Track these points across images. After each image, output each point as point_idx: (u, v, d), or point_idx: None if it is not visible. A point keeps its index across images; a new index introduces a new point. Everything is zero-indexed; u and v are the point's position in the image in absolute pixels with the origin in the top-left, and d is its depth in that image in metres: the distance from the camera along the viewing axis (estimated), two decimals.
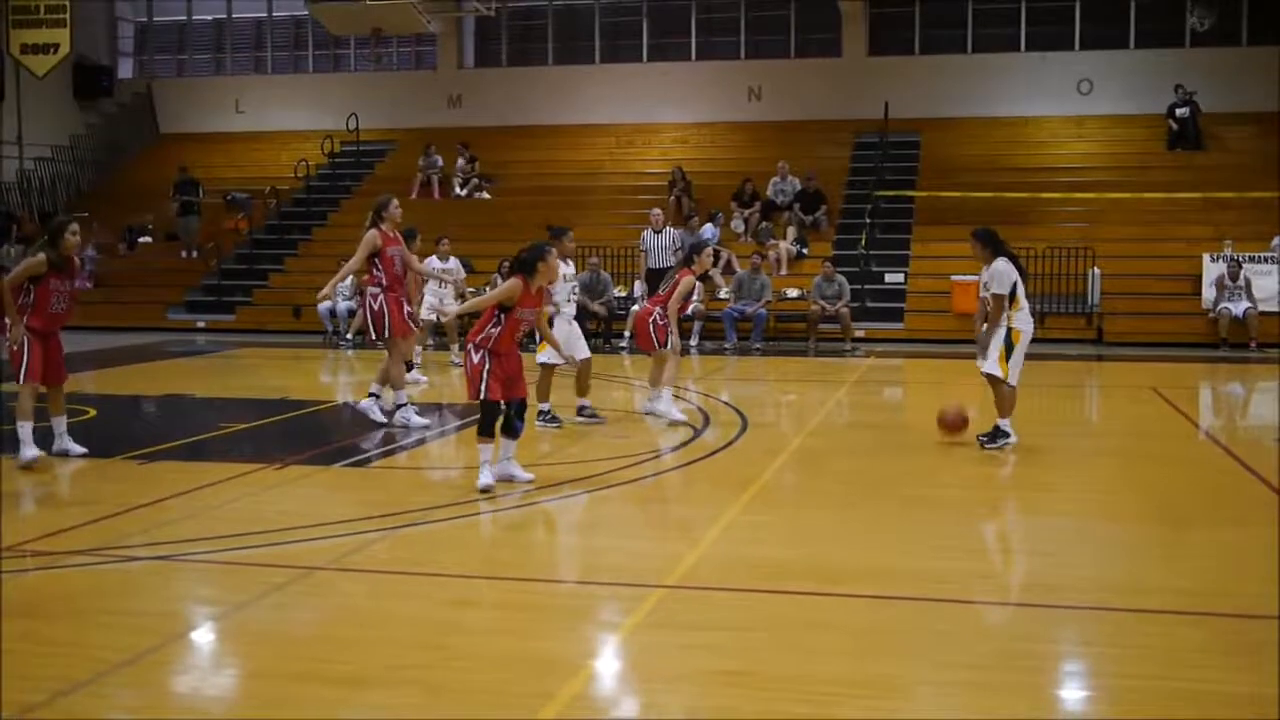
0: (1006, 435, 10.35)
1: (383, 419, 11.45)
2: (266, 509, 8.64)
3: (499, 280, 18.83)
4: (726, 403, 13.66)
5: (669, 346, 11.89)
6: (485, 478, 8.65)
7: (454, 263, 17.37)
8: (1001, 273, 10.30)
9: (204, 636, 5.89)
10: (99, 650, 5.45)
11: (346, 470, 9.92)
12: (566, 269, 11.38)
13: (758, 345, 20.23)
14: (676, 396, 12.62)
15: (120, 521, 7.87)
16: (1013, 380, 10.33)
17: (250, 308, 24.33)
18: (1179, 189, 23.21)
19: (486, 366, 8.60)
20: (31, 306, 9.55)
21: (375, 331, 11.50)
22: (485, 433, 8.70)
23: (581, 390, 11.78)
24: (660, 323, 11.88)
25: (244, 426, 11.52)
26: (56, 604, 6.31)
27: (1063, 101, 27.05)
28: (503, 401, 8.70)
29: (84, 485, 9.28)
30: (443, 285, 16.95)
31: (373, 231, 11.40)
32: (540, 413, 11.32)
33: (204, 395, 14.82)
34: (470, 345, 8.73)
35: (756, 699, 4.95)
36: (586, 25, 30.24)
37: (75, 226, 9.80)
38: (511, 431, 8.82)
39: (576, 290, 11.80)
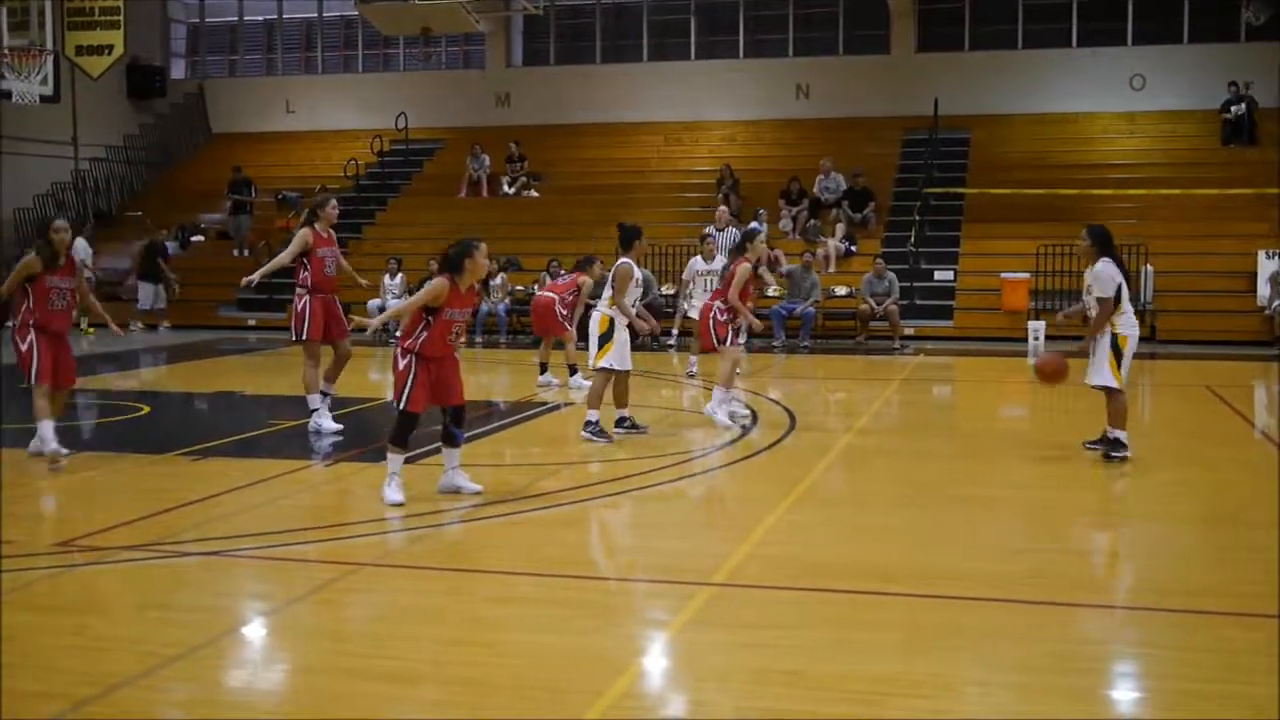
0: (1124, 447, 9.82)
1: (336, 426, 11.25)
2: (315, 505, 8.72)
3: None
4: (775, 401, 13.61)
5: (728, 343, 11.56)
6: (393, 493, 8.13)
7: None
8: (1105, 275, 9.81)
9: (254, 632, 5.94)
10: (151, 645, 5.50)
11: None
12: (638, 274, 10.95)
13: (806, 343, 20.15)
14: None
15: (172, 517, 7.94)
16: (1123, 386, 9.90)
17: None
18: (1233, 185, 22.89)
19: (413, 373, 8.13)
20: (31, 305, 9.71)
21: (295, 332, 11.38)
22: (397, 442, 8.20)
23: (621, 401, 11.17)
24: (720, 319, 11.58)
25: (294, 423, 11.59)
26: (110, 599, 6.39)
27: (1115, 97, 26.74)
28: (441, 409, 8.38)
29: (136, 481, 9.37)
30: (706, 290, 15.85)
31: (304, 230, 11.37)
32: (587, 423, 10.83)
33: (254, 392, 14.96)
34: (398, 350, 8.28)
35: (805, 698, 4.93)
36: (635, 23, 30.22)
37: (61, 224, 9.80)
38: (451, 440, 8.43)
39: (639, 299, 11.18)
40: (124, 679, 5.07)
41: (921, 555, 7.15)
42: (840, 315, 21.37)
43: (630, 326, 10.99)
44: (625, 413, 11.13)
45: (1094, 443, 10.18)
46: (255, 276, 11.70)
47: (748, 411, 11.71)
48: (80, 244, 24.20)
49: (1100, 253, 9.97)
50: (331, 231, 11.64)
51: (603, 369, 10.92)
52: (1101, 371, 9.80)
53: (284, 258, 11.47)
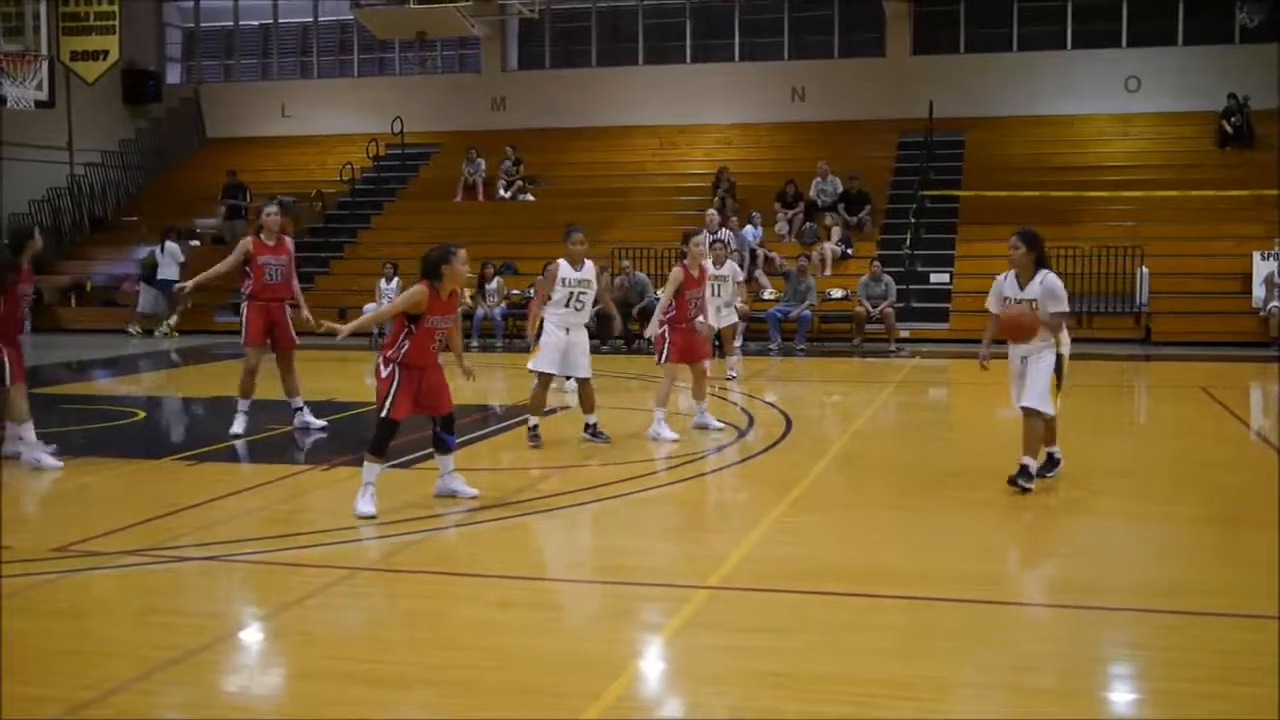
0: (1032, 478, 8.77)
1: (240, 430, 11.33)
2: (313, 510, 8.72)
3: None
4: (771, 404, 13.63)
5: (662, 360, 11.23)
6: (364, 505, 7.98)
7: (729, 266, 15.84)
8: (1059, 288, 8.74)
9: (251, 636, 5.95)
10: (148, 649, 5.51)
11: (391, 472, 9.91)
12: (566, 272, 10.65)
13: (801, 346, 20.17)
14: (717, 396, 12.54)
15: (169, 522, 7.95)
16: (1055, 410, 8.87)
17: (295, 310, 24.43)
18: (1228, 186, 22.95)
19: (396, 382, 8.05)
20: None
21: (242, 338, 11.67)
22: (376, 451, 8.10)
23: (585, 407, 10.93)
24: (658, 330, 11.30)
25: (290, 428, 11.60)
26: (107, 603, 6.39)
27: (1110, 99, 26.81)
28: (430, 418, 8.36)
29: (133, 486, 9.37)
30: (716, 294, 15.04)
31: (247, 239, 11.51)
32: (531, 428, 10.72)
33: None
34: (380, 359, 8.24)
35: (799, 700, 4.95)
36: (630, 27, 30.26)
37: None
38: (443, 447, 8.40)
39: (583, 297, 10.72)
40: (121, 683, 5.08)
41: (918, 558, 7.16)
42: (836, 318, 21.40)
43: (588, 327, 10.89)
44: (592, 419, 10.93)
45: (1043, 470, 9.10)
46: (189, 285, 11.89)
47: (674, 435, 11.02)
48: (171, 248, 24.20)
49: (1039, 261, 8.89)
50: (284, 240, 11.62)
51: (531, 370, 10.87)
52: (1039, 393, 8.70)
53: (222, 266, 11.60)
